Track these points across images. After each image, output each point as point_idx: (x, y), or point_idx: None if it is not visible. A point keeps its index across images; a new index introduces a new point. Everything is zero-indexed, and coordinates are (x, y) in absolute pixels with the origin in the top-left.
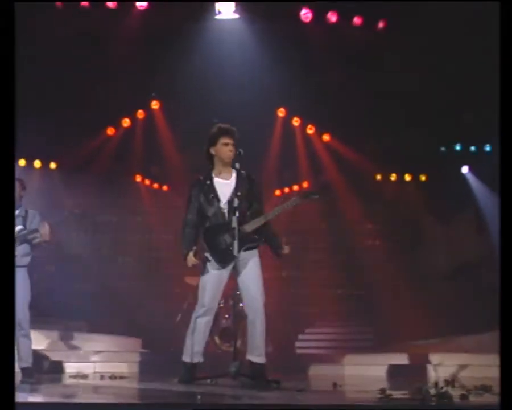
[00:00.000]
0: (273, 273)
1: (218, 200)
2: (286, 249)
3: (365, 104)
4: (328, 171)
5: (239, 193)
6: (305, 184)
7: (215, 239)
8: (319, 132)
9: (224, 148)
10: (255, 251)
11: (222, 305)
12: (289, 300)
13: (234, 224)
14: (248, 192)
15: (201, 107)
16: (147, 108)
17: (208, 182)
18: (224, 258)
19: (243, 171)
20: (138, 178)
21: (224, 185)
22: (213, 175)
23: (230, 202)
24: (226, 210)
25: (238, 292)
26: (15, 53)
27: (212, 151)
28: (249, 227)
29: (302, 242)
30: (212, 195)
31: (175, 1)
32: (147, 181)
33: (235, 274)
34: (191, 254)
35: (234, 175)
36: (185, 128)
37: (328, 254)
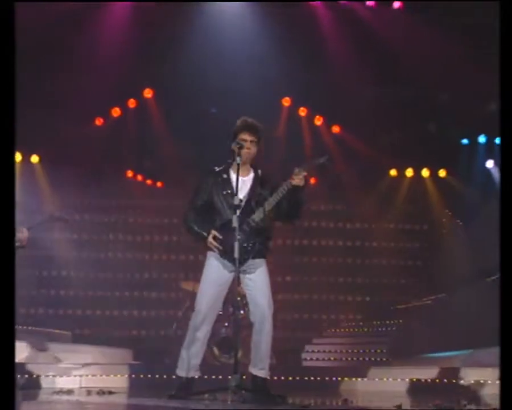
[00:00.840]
0: (277, 277)
1: (232, 196)
2: (298, 178)
3: (379, 94)
4: (338, 165)
5: (255, 191)
6: (312, 180)
7: (227, 235)
8: (328, 124)
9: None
10: (263, 260)
11: (221, 312)
12: (294, 307)
13: (235, 223)
14: (264, 191)
15: (197, 96)
16: (139, 97)
17: (225, 176)
18: (232, 256)
19: (259, 171)
20: (129, 173)
21: (241, 182)
22: (231, 171)
23: (246, 201)
24: (238, 209)
25: (238, 298)
26: (15, 50)
27: (233, 146)
28: (257, 216)
29: (308, 243)
30: (229, 191)
31: (177, 1)
32: (139, 177)
33: (240, 280)
34: (210, 237)
35: (252, 174)
36: (181, 119)
37: (337, 257)
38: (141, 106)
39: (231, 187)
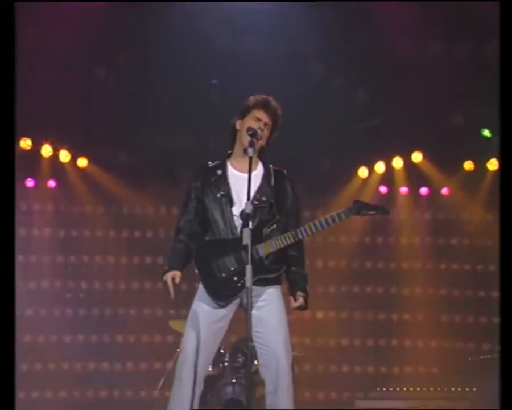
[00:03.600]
0: (296, 312)
1: (231, 202)
2: (298, 300)
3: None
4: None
5: (263, 198)
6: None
7: (214, 260)
8: None
9: (255, 125)
10: (277, 288)
11: (226, 363)
12: (327, 355)
13: (246, 239)
14: (277, 196)
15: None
16: (110, 64)
17: (219, 172)
18: (224, 291)
19: (271, 165)
20: (82, 162)
21: (243, 180)
22: (228, 164)
23: (252, 208)
24: (238, 219)
25: (252, 343)
26: (15, 50)
27: (237, 124)
28: (265, 249)
29: (347, 265)
30: (222, 192)
31: (181, 1)
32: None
33: (244, 316)
34: (171, 274)
35: (260, 168)
36: (169, 95)
37: (393, 282)
38: (112, 75)
39: (228, 188)
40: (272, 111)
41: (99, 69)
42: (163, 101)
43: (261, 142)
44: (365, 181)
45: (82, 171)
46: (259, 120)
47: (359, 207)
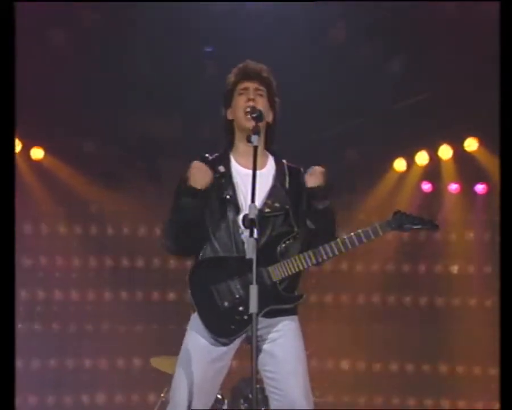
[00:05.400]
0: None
1: (236, 208)
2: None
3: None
4: None
5: (276, 204)
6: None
7: (213, 285)
8: None
9: (241, 101)
10: (293, 318)
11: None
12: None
13: (251, 252)
14: (294, 201)
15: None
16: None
17: (222, 168)
18: (227, 325)
19: (284, 161)
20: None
21: (246, 179)
22: (232, 158)
23: (258, 213)
24: (246, 230)
25: (258, 385)
26: (15, 50)
27: (229, 114)
28: (277, 272)
29: (380, 298)
30: (227, 196)
31: (185, 1)
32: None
33: (252, 353)
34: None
35: (270, 164)
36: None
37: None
38: (73, 38)
39: (233, 190)
40: (255, 73)
41: (55, 30)
42: (140, 74)
43: (264, 118)
44: (403, 176)
45: (36, 164)
46: (246, 89)
47: (400, 220)
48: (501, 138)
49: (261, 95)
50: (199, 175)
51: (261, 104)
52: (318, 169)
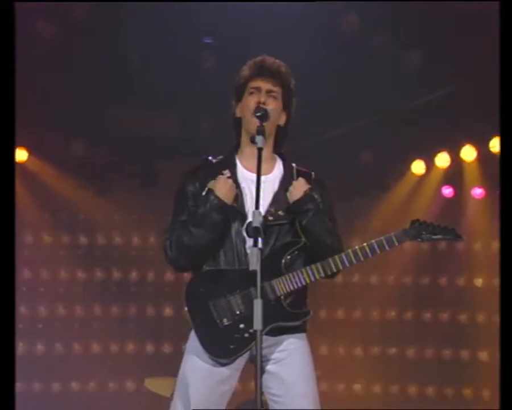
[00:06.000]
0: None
1: (242, 217)
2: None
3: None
4: None
5: (280, 212)
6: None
7: (212, 300)
8: None
9: (251, 101)
10: (302, 335)
11: None
12: None
13: (254, 263)
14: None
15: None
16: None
17: (227, 173)
18: (227, 344)
19: (294, 164)
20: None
21: (251, 183)
22: (237, 161)
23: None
24: (250, 240)
25: (263, 408)
26: (15, 50)
27: (238, 111)
28: (283, 286)
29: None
30: (233, 203)
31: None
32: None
33: (256, 373)
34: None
35: (278, 168)
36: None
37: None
38: (62, 29)
39: (240, 196)
40: (272, 72)
41: (43, 21)
42: (133, 67)
43: (274, 121)
44: (422, 179)
45: (19, 166)
46: (258, 90)
47: (419, 230)
48: (501, 139)
49: (274, 97)
50: (228, 189)
51: (273, 107)
52: (296, 184)
